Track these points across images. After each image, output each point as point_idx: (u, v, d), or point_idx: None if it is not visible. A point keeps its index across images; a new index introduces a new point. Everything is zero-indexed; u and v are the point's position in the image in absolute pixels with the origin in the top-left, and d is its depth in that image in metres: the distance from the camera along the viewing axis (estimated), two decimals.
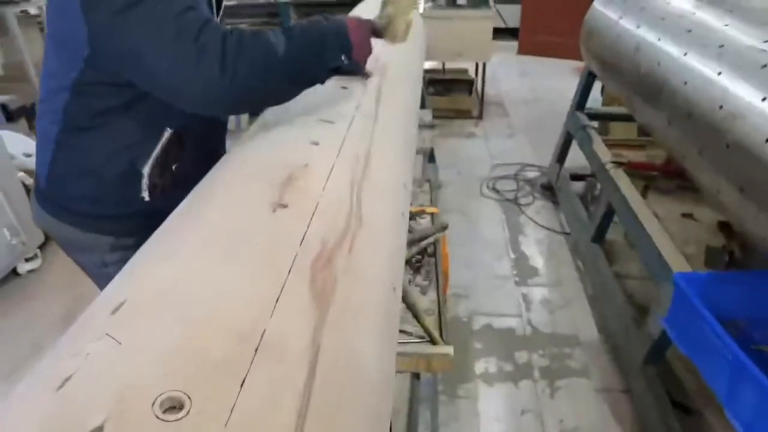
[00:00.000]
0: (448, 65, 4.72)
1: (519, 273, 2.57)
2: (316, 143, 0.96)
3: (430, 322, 1.43)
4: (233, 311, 0.56)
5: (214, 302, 0.57)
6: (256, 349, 0.52)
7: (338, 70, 1.01)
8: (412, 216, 1.99)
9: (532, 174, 3.44)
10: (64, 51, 0.94)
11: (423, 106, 3.26)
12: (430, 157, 3.40)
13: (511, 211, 3.10)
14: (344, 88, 1.24)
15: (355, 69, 1.07)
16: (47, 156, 1.04)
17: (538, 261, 2.67)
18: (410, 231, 1.86)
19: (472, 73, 4.59)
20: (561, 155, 3.14)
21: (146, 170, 1.05)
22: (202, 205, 0.77)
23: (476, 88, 4.46)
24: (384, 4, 1.19)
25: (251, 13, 4.31)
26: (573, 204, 2.82)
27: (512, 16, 5.66)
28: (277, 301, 0.58)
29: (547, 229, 2.91)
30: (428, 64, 4.77)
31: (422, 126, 2.89)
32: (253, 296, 0.58)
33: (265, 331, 0.54)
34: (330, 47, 0.97)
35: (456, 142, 3.98)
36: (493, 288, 2.48)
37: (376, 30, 1.12)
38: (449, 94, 4.53)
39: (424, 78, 4.58)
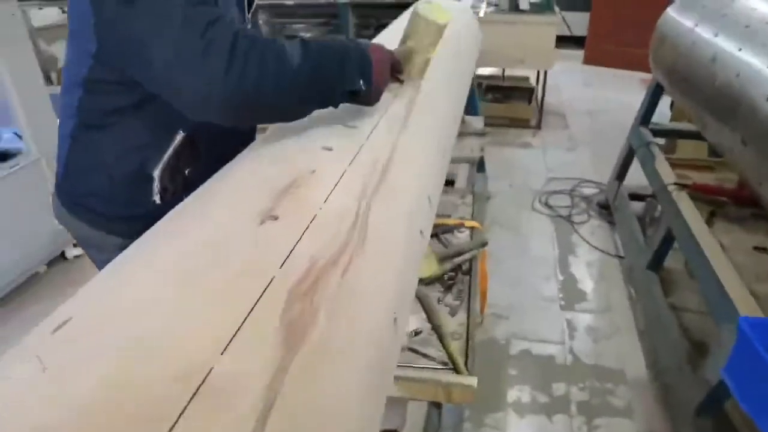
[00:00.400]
0: (509, 72, 4.56)
1: (565, 296, 2.40)
2: (330, 149, 0.88)
3: (456, 347, 1.32)
4: (180, 343, 0.48)
5: (162, 330, 0.49)
6: (195, 393, 0.43)
7: (353, 96, 0.92)
8: (450, 229, 1.88)
9: (589, 190, 3.24)
10: (76, 44, 0.92)
11: (475, 112, 3.14)
12: (479, 166, 3.26)
13: (563, 229, 2.92)
14: (353, 126, 1.11)
15: (371, 97, 0.96)
16: (64, 150, 1.03)
17: (587, 284, 2.48)
18: (446, 245, 1.76)
19: (533, 81, 4.41)
20: (621, 172, 2.93)
21: (157, 173, 1.02)
22: (187, 213, 0.70)
23: (536, 96, 4.28)
24: (404, 38, 1.11)
25: (310, 13, 4.31)
26: (630, 226, 2.61)
27: (579, 23, 5.41)
28: (235, 334, 0.50)
29: (600, 250, 2.71)
30: (487, 70, 4.63)
31: (472, 134, 2.77)
32: (208, 326, 0.50)
33: (211, 370, 0.45)
34: (349, 68, 0.88)
35: (511, 152, 3.82)
36: (536, 310, 2.32)
37: (395, 62, 1.04)
38: (508, 101, 4.37)
39: (480, 84, 4.47)
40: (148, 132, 0.99)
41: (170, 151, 1.02)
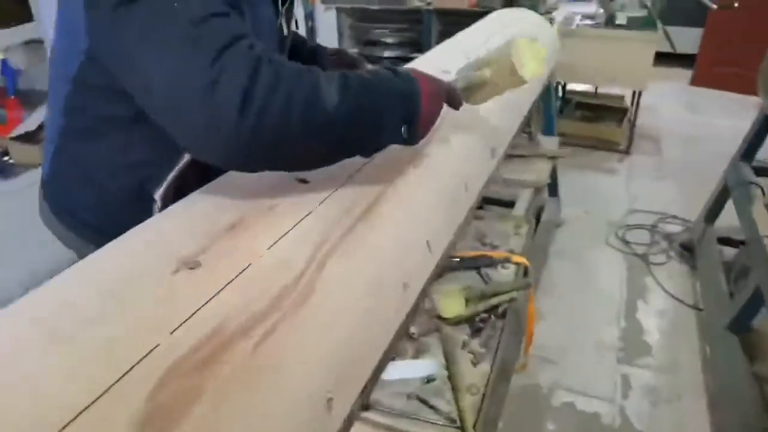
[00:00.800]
0: (602, 89, 4.23)
1: (626, 347, 2.15)
2: (305, 181, 0.79)
3: (470, 403, 1.18)
4: (17, 412, 0.41)
5: (4, 391, 0.42)
6: None
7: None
8: (494, 263, 1.72)
9: (673, 228, 2.90)
10: (66, 38, 0.82)
11: (550, 131, 2.92)
12: (552, 190, 3.03)
13: (637, 269, 2.63)
14: None
15: (413, 141, 0.81)
16: (50, 150, 0.95)
17: (653, 336, 2.20)
18: (486, 281, 1.61)
19: (629, 100, 4.06)
20: (712, 211, 2.59)
21: (158, 195, 0.92)
22: (101, 254, 0.63)
23: (629, 117, 3.93)
24: (483, 63, 0.92)
25: (394, 18, 4.25)
26: (715, 275, 2.29)
27: (687, 40, 4.91)
28: (81, 412, 0.42)
29: (676, 298, 2.40)
30: (580, 86, 4.34)
31: (541, 156, 2.57)
32: (56, 398, 0.43)
33: None
34: (392, 114, 0.74)
35: (592, 177, 3.53)
36: (590, 359, 2.09)
37: (452, 94, 0.88)
38: (597, 121, 4.06)
39: (570, 100, 4.18)
40: (147, 149, 0.86)
41: (175, 171, 0.90)
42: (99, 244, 0.96)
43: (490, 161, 1.25)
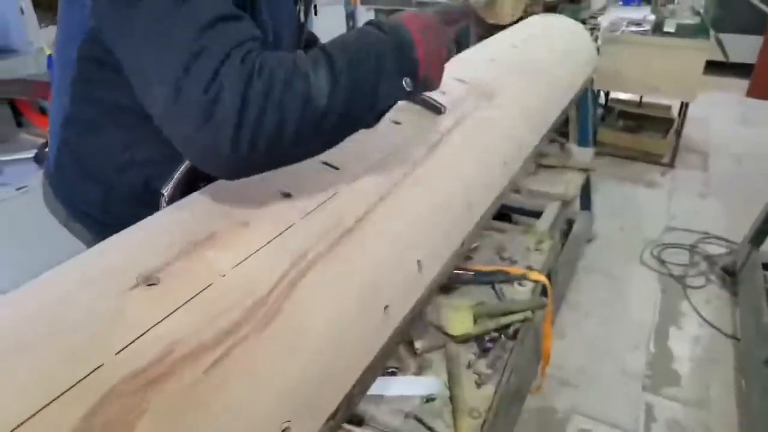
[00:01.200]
0: (647, 98, 4.05)
1: (653, 375, 2.03)
2: (288, 195, 0.75)
3: (470, 427, 1.13)
4: None
5: None
6: None
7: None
8: (510, 279, 1.65)
9: (714, 249, 2.74)
10: (71, 19, 0.79)
11: (585, 142, 2.80)
12: (585, 202, 2.91)
13: (672, 291, 2.48)
14: (397, 123, 1.00)
15: (428, 86, 0.79)
16: (55, 142, 0.94)
17: (684, 365, 2.07)
18: (500, 297, 1.54)
19: (676, 111, 3.87)
20: (759, 234, 2.42)
21: (167, 191, 0.89)
22: (65, 267, 0.61)
23: (675, 129, 3.74)
24: None
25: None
26: (757, 303, 2.14)
27: (743, 49, 4.63)
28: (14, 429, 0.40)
29: (712, 326, 2.25)
30: (624, 95, 4.18)
31: (573, 168, 2.46)
32: None
33: None
34: (387, 75, 0.71)
35: (630, 190, 3.37)
36: (612, 384, 1.98)
37: (460, 13, 0.84)
38: (640, 131, 3.89)
39: (612, 109, 4.03)
40: (155, 143, 0.80)
41: (182, 168, 0.88)
42: (105, 237, 0.94)
43: (500, 176, 1.18)
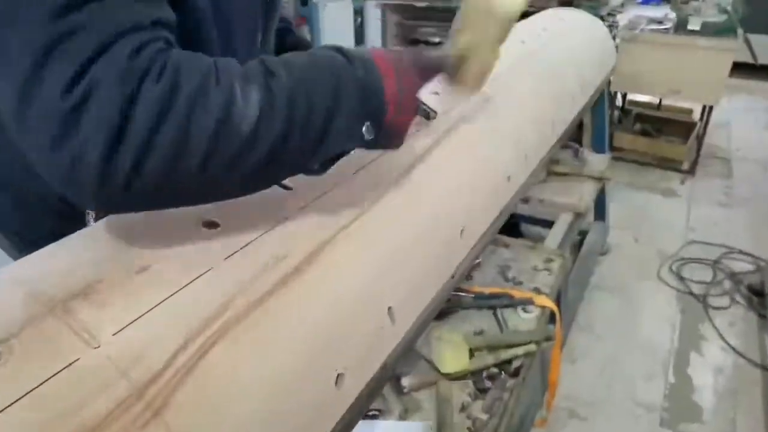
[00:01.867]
0: (667, 101, 3.84)
1: (671, 407, 1.84)
2: (215, 225, 0.58)
3: None
4: None
5: None
6: None
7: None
8: (513, 304, 1.48)
9: (739, 266, 2.53)
10: None
11: (601, 148, 2.61)
12: (599, 213, 2.72)
13: (693, 312, 2.28)
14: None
15: (388, 143, 0.63)
16: None
17: (706, 397, 1.88)
18: (501, 326, 1.37)
19: (697, 115, 3.66)
20: None
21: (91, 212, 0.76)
22: None
23: (696, 134, 3.53)
24: (460, 29, 0.73)
25: (440, 17, 3.99)
26: None
27: None
28: None
29: (738, 353, 2.06)
30: (642, 96, 3.97)
31: (587, 176, 2.27)
32: None
33: None
34: (343, 112, 0.55)
35: (647, 199, 3.17)
36: (625, 418, 1.80)
37: (435, 66, 0.70)
38: (659, 136, 3.68)
39: (629, 112, 3.82)
40: None
41: None
42: (27, 251, 0.77)
43: (501, 193, 1.01)
